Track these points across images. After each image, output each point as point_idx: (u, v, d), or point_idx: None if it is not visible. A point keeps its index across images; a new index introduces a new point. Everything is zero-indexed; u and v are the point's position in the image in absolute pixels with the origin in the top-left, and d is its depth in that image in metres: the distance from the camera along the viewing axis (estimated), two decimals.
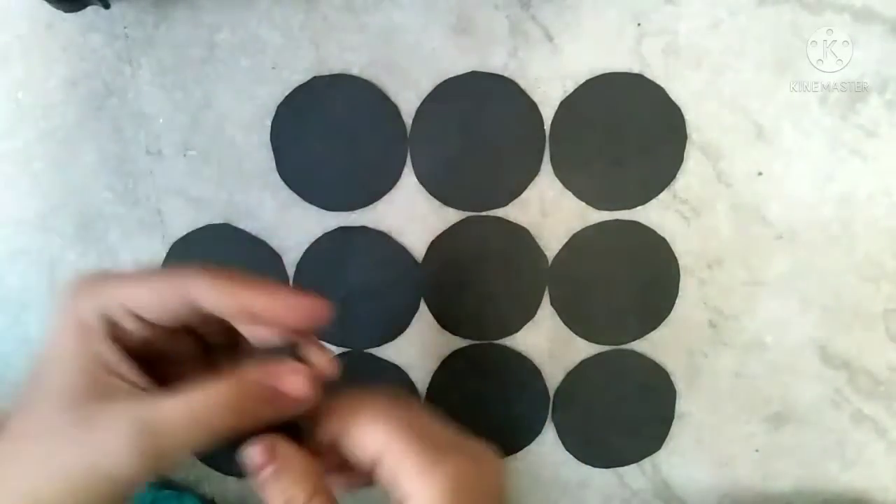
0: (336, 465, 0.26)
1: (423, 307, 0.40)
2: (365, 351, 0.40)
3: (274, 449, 0.24)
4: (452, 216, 0.39)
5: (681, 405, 0.42)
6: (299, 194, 0.39)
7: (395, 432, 0.24)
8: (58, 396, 0.22)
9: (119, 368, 0.23)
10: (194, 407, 0.22)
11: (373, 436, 0.24)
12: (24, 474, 0.21)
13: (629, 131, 0.38)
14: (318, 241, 0.39)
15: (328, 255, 0.39)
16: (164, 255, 0.39)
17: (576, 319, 0.40)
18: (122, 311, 0.23)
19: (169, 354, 0.25)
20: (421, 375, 0.41)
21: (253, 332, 0.25)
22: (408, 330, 0.40)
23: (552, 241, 0.40)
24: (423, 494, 0.23)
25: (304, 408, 0.24)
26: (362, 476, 0.25)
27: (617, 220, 0.39)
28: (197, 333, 0.27)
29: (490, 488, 0.25)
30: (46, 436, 0.22)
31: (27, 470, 0.22)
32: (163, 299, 0.23)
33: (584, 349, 0.41)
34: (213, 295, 0.23)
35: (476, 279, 0.40)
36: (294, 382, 0.24)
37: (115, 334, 0.23)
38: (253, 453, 0.24)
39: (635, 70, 0.38)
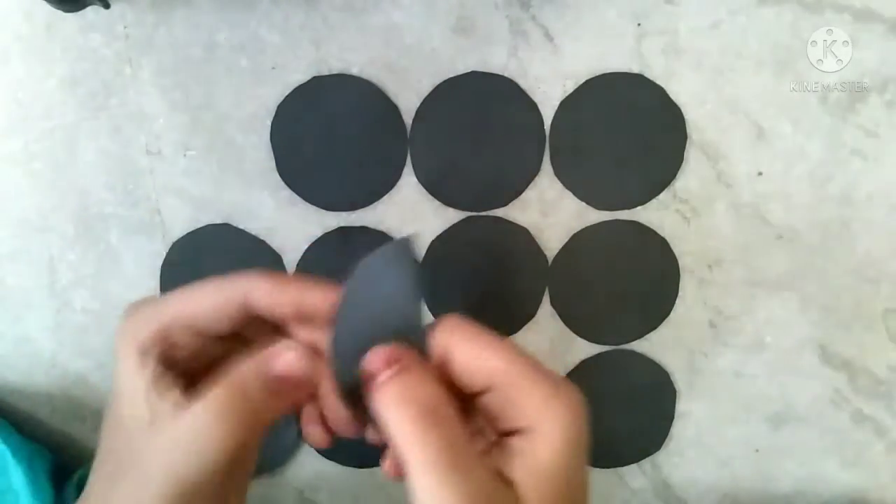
0: None
1: (423, 307, 0.40)
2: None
3: (399, 353, 0.23)
4: (452, 216, 0.39)
5: (681, 405, 0.42)
6: (299, 194, 0.39)
7: (513, 357, 0.22)
8: (125, 427, 0.23)
9: (165, 389, 0.23)
10: (198, 425, 0.22)
11: (489, 361, 0.22)
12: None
13: (629, 131, 0.38)
14: (318, 241, 0.39)
15: (328, 255, 0.39)
16: (164, 255, 0.39)
17: (576, 319, 0.40)
18: (179, 328, 0.24)
19: (220, 359, 0.26)
20: None
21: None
22: None
23: (552, 241, 0.40)
24: (549, 424, 0.21)
25: (309, 387, 0.24)
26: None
27: (617, 220, 0.39)
28: (241, 337, 0.27)
29: (587, 428, 0.23)
30: (115, 467, 0.23)
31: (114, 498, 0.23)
32: (220, 309, 0.24)
33: (584, 349, 0.41)
34: (269, 297, 0.24)
35: (476, 279, 0.40)
36: (285, 361, 0.24)
37: (170, 350, 0.24)
38: (300, 357, 0.23)
39: (635, 70, 0.38)
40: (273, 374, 0.24)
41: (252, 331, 0.26)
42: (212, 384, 0.23)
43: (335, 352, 0.24)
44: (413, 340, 0.23)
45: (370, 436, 0.26)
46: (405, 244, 0.24)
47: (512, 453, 0.22)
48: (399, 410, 0.21)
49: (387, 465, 0.25)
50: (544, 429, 0.22)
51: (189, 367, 0.25)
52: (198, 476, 0.22)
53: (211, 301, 0.24)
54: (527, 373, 0.22)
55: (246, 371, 0.24)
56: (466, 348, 0.23)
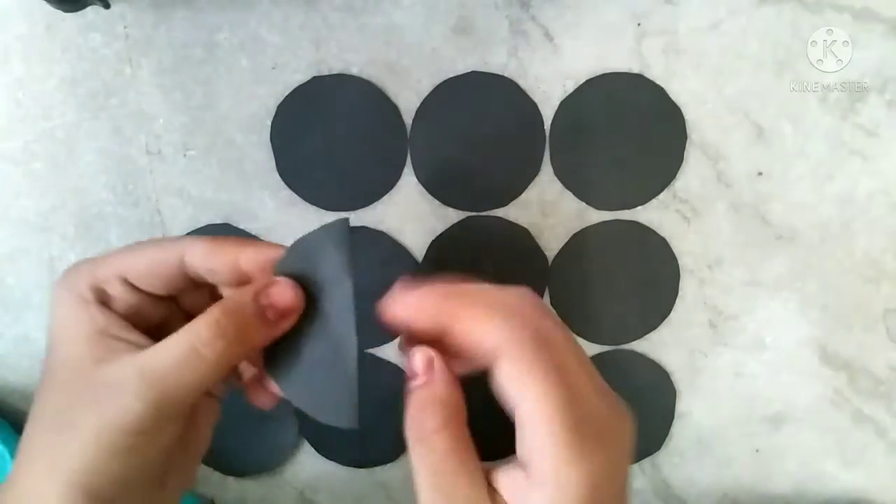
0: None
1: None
2: (365, 351, 0.40)
3: (432, 364, 0.23)
4: (452, 216, 0.39)
5: (681, 405, 0.42)
6: (299, 194, 0.39)
7: (550, 403, 0.21)
8: (67, 369, 0.23)
9: (116, 330, 0.24)
10: (185, 342, 0.22)
11: (524, 398, 0.21)
12: (49, 450, 0.22)
13: (629, 131, 0.38)
14: None
15: None
16: None
17: (576, 319, 0.40)
18: (115, 281, 0.24)
19: (156, 326, 0.26)
20: None
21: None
22: None
23: (552, 241, 0.40)
24: (557, 489, 0.20)
25: (293, 321, 0.24)
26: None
27: (617, 220, 0.39)
28: (185, 310, 0.27)
29: (618, 484, 0.22)
30: (67, 408, 0.22)
31: (51, 444, 0.22)
32: (156, 265, 0.24)
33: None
34: (206, 256, 0.24)
35: (476, 279, 0.40)
36: (280, 293, 0.24)
37: (108, 302, 0.24)
38: (415, 360, 0.23)
39: (635, 70, 0.38)
40: (266, 301, 0.24)
41: (190, 301, 0.27)
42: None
43: None
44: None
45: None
46: (340, 226, 0.24)
47: (519, 491, 0.21)
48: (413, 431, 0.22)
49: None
50: (558, 494, 0.21)
51: (133, 325, 0.25)
52: (172, 407, 0.23)
53: (147, 258, 0.24)
54: (557, 432, 0.21)
55: (241, 294, 0.24)
56: (510, 377, 0.22)
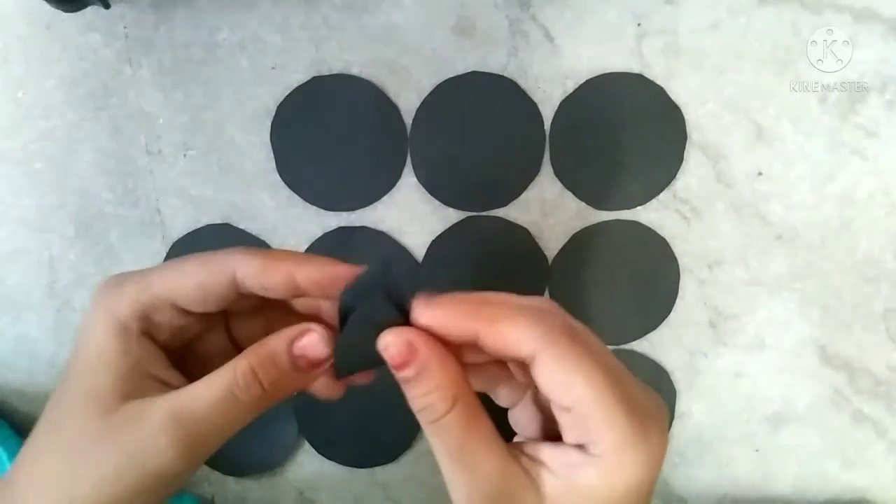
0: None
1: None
2: None
3: (412, 346, 0.21)
4: (452, 216, 0.39)
5: (681, 405, 0.42)
6: (299, 194, 0.39)
7: (600, 384, 0.21)
8: (94, 399, 0.22)
9: (152, 368, 0.23)
10: (223, 389, 0.22)
11: (575, 389, 0.21)
12: (60, 479, 0.22)
13: (629, 131, 0.38)
14: (318, 241, 0.39)
15: (328, 255, 0.39)
16: (164, 255, 0.39)
17: (576, 319, 0.40)
18: (164, 307, 0.23)
19: (195, 339, 0.25)
20: None
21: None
22: None
23: (552, 241, 0.40)
24: (621, 468, 0.20)
25: (324, 370, 0.23)
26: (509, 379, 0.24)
27: (617, 220, 0.39)
28: (221, 312, 0.26)
29: (661, 460, 0.22)
30: (84, 439, 0.22)
31: (64, 474, 0.22)
32: (207, 287, 0.23)
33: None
34: (260, 274, 0.23)
35: (476, 279, 0.40)
36: (311, 345, 0.23)
37: (151, 329, 0.23)
38: (390, 349, 0.21)
39: (635, 70, 0.38)
40: (298, 352, 0.23)
41: (235, 304, 0.25)
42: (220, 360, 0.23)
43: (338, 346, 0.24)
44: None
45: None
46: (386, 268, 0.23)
47: (570, 464, 0.21)
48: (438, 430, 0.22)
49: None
50: (614, 464, 0.20)
51: (166, 345, 0.24)
52: (205, 450, 0.22)
53: (197, 279, 0.23)
54: (614, 410, 0.21)
55: (274, 344, 0.23)
56: (556, 368, 0.21)
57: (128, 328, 0.23)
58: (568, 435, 0.22)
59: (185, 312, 0.24)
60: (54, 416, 0.23)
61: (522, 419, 0.25)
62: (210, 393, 0.22)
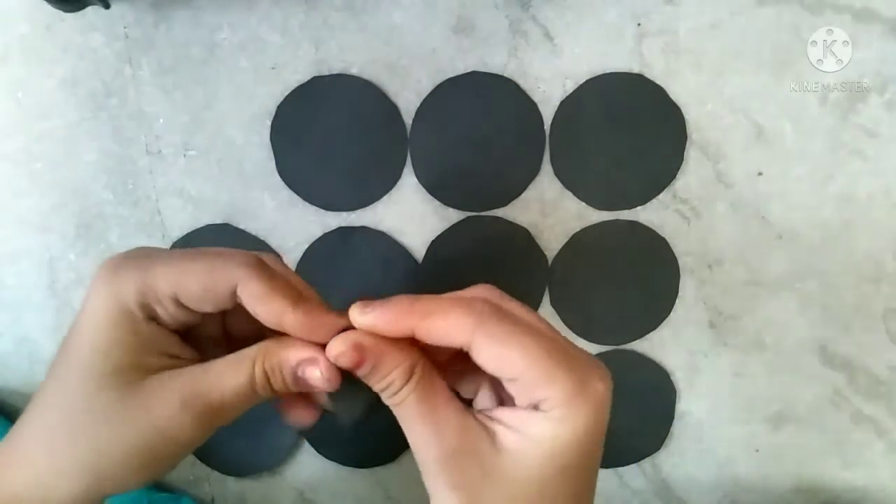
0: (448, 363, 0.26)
1: None
2: None
3: (361, 346, 0.23)
4: (452, 216, 0.39)
5: (681, 405, 0.42)
6: (299, 194, 0.39)
7: (536, 349, 0.22)
8: (104, 377, 0.23)
9: (165, 346, 0.24)
10: (242, 379, 0.24)
11: (515, 362, 0.23)
12: (83, 453, 0.23)
13: (629, 131, 0.38)
14: (318, 241, 0.39)
15: (328, 255, 0.39)
16: None
17: (576, 319, 0.40)
18: (166, 300, 0.24)
19: (195, 334, 0.27)
20: None
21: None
22: None
23: (552, 241, 0.40)
24: (571, 420, 0.22)
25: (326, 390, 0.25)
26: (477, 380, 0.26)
27: (617, 220, 0.39)
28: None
29: (608, 415, 0.24)
30: (101, 416, 0.23)
31: (85, 449, 0.23)
32: (209, 290, 0.24)
33: (584, 349, 0.41)
34: (256, 300, 0.24)
35: (476, 279, 0.40)
36: (312, 376, 0.24)
37: (155, 318, 0.24)
38: (342, 360, 0.23)
39: (635, 70, 0.38)
40: (302, 374, 0.24)
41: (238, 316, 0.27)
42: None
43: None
44: None
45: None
46: None
47: (523, 422, 0.23)
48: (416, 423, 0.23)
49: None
50: (562, 417, 0.22)
51: (168, 327, 0.25)
52: (216, 421, 0.24)
53: (200, 281, 0.24)
54: (553, 365, 0.22)
55: (285, 358, 0.24)
56: (492, 346, 0.23)
57: (131, 314, 0.24)
58: (520, 400, 0.23)
59: (185, 307, 0.25)
60: (65, 395, 0.24)
61: (483, 404, 0.26)
62: (233, 381, 0.24)
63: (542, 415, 0.23)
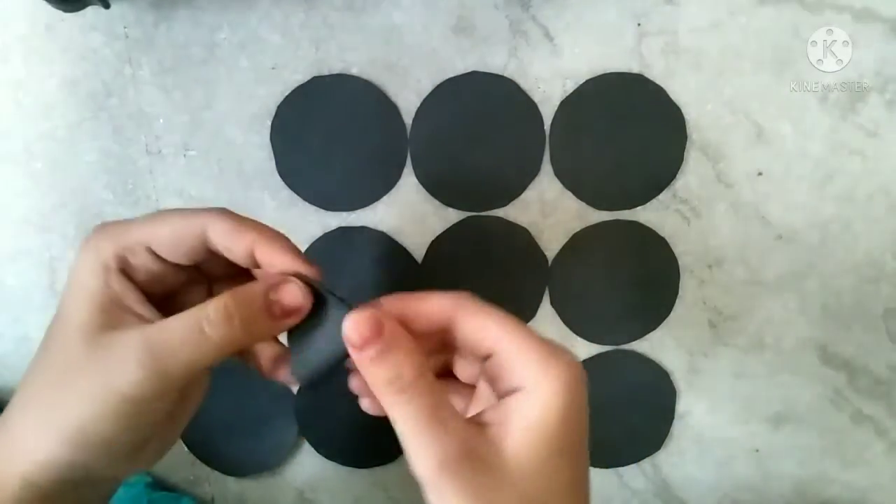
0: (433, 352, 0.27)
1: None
2: None
3: (380, 324, 0.23)
4: (452, 216, 0.39)
5: (681, 405, 0.42)
6: (299, 194, 0.39)
7: (511, 325, 0.24)
8: (76, 331, 0.24)
9: (129, 302, 0.25)
10: (193, 321, 0.24)
11: (490, 330, 0.24)
12: (51, 405, 0.24)
13: (629, 131, 0.38)
14: (318, 240, 0.39)
15: (328, 255, 0.39)
16: None
17: (576, 319, 0.40)
18: (139, 249, 0.25)
19: (178, 292, 0.27)
20: None
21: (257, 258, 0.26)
22: None
23: (552, 241, 0.40)
24: (544, 385, 0.23)
25: (296, 320, 0.25)
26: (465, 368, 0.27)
27: (617, 220, 0.39)
28: (203, 273, 0.28)
29: (585, 392, 0.24)
30: (68, 368, 0.24)
31: (50, 400, 0.24)
32: (180, 237, 0.25)
33: (584, 349, 0.41)
34: (228, 237, 0.25)
35: (476, 279, 0.40)
36: (289, 291, 0.25)
37: (129, 270, 0.25)
38: (359, 325, 0.23)
39: (635, 70, 0.38)
40: (275, 297, 0.25)
41: (210, 267, 0.27)
42: (207, 299, 0.25)
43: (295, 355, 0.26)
44: None
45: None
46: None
47: (508, 410, 0.23)
48: (385, 390, 0.23)
49: (364, 403, 0.27)
50: (539, 389, 0.23)
51: (154, 291, 0.26)
52: (171, 380, 0.24)
53: (171, 228, 0.25)
54: (525, 339, 0.23)
55: (252, 287, 0.25)
56: (471, 319, 0.24)
57: (108, 266, 0.25)
58: (500, 385, 0.24)
59: (161, 260, 0.25)
60: (44, 351, 0.25)
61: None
62: (180, 324, 0.24)
63: (523, 397, 0.23)
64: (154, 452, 0.27)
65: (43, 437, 0.23)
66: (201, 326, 0.23)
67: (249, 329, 0.24)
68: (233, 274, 0.28)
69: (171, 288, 0.27)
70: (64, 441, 0.23)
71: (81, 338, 0.24)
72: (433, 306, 0.25)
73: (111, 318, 0.24)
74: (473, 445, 0.22)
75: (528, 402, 0.23)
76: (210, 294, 0.28)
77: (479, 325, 0.24)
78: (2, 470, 0.23)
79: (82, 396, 0.23)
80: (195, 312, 0.24)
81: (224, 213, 0.25)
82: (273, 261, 0.25)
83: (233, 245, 0.25)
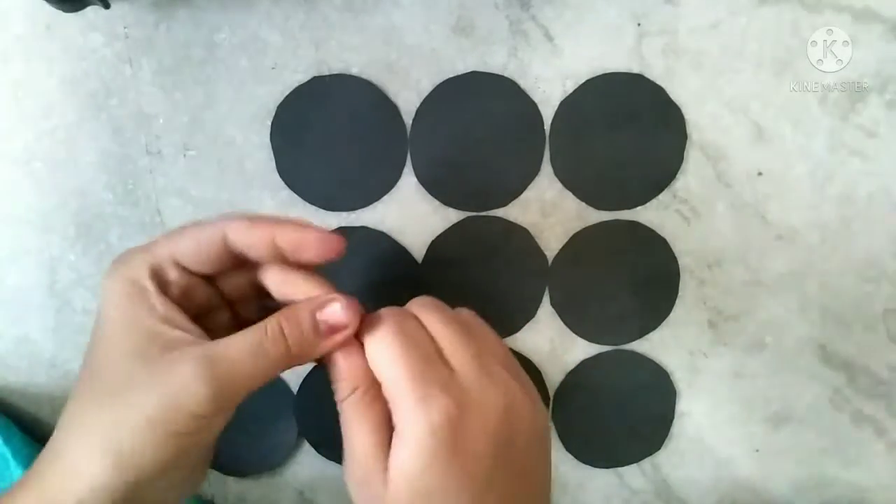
0: None
1: None
2: None
3: (356, 307, 0.26)
4: (452, 216, 0.39)
5: (681, 405, 0.42)
6: (299, 194, 0.39)
7: (397, 359, 0.25)
8: (125, 355, 0.24)
9: (177, 321, 0.25)
10: (255, 338, 0.25)
11: (374, 367, 0.26)
12: (104, 427, 0.24)
13: (629, 131, 0.38)
14: None
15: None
16: None
17: (576, 319, 0.40)
18: (168, 263, 0.26)
19: (202, 315, 0.28)
20: None
21: (280, 287, 0.27)
22: None
23: (552, 241, 0.40)
24: (410, 430, 0.24)
25: (346, 336, 0.26)
26: None
27: (617, 220, 0.39)
28: (225, 299, 0.29)
29: (488, 427, 0.25)
30: (122, 389, 0.24)
31: (107, 422, 0.24)
32: (203, 245, 0.26)
33: (584, 349, 0.41)
34: (246, 232, 0.26)
35: (476, 279, 0.40)
36: (333, 313, 0.26)
37: (165, 289, 0.26)
38: (344, 308, 0.26)
39: (635, 70, 0.38)
40: (321, 318, 0.26)
41: (230, 286, 0.28)
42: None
43: None
44: None
45: None
46: None
47: (392, 447, 0.25)
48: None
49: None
50: (405, 434, 0.24)
51: (180, 304, 0.26)
52: (233, 397, 0.24)
53: (194, 238, 0.26)
54: (402, 380, 0.25)
55: (300, 307, 0.26)
56: (369, 349, 0.26)
57: (146, 288, 0.25)
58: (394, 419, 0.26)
59: (188, 272, 0.26)
60: (93, 378, 0.25)
61: None
62: (243, 343, 0.25)
63: (395, 436, 0.25)
64: (201, 475, 0.27)
65: (98, 463, 0.23)
66: (263, 342, 0.25)
67: (302, 347, 0.25)
68: (255, 296, 0.29)
69: (198, 308, 0.27)
70: (120, 466, 0.23)
71: (138, 361, 0.24)
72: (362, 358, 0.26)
73: (165, 339, 0.24)
74: (372, 476, 0.25)
75: (398, 445, 0.24)
76: (235, 316, 0.29)
77: (369, 359, 0.26)
78: (55, 497, 0.23)
79: (140, 418, 0.23)
80: (255, 331, 0.25)
81: (239, 215, 0.26)
82: (294, 237, 0.26)
83: (253, 239, 0.26)
